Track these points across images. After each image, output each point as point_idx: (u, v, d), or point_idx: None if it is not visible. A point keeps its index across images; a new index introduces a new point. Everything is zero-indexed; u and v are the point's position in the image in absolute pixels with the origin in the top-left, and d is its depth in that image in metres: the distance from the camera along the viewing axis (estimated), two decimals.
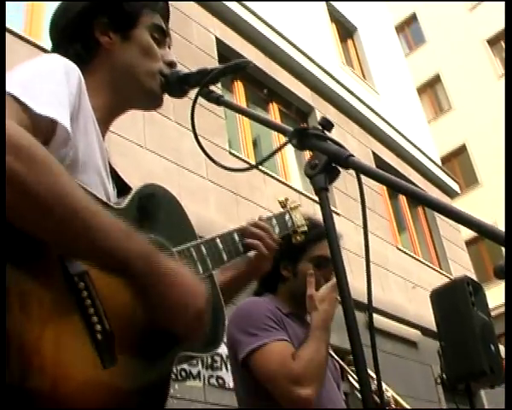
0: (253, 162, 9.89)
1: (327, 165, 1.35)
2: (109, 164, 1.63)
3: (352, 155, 1.31)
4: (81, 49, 1.64)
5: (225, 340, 1.82)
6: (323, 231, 2.68)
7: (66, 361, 1.17)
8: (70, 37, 1.68)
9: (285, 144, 1.49)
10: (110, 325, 1.26)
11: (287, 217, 2.28)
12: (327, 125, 1.42)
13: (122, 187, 1.67)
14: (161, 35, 1.74)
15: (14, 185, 1.11)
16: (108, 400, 1.23)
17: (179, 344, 1.46)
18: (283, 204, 2.33)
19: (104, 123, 1.62)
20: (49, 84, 1.34)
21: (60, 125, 1.30)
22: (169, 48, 1.79)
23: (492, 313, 5.64)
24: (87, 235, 1.20)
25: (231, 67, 1.67)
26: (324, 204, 1.31)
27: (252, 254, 2.03)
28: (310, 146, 1.40)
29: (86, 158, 1.43)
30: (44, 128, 1.28)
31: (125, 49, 1.67)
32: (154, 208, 1.61)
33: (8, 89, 1.25)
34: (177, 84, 1.70)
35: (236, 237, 1.93)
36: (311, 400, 2.28)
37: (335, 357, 2.88)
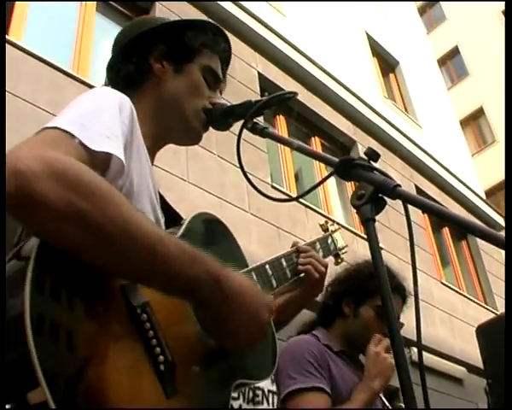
0: (295, 196, 9.88)
1: (373, 195, 1.34)
2: (158, 192, 1.65)
3: (399, 185, 1.30)
4: (134, 70, 1.68)
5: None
6: (397, 284, 2.71)
7: (133, 391, 1.18)
8: (126, 56, 1.72)
9: (331, 175, 1.49)
10: (172, 356, 1.28)
11: (329, 240, 2.33)
12: (373, 155, 1.41)
13: (170, 215, 1.70)
14: (213, 79, 1.77)
15: (80, 222, 1.13)
16: None
17: (237, 371, 1.50)
18: (325, 228, 2.35)
19: (150, 152, 1.63)
20: (104, 117, 1.36)
21: (114, 157, 1.31)
22: (220, 93, 1.81)
23: None
24: (154, 260, 1.21)
25: (276, 98, 1.67)
26: (371, 235, 1.30)
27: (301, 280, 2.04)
28: (356, 176, 1.39)
29: (140, 186, 1.45)
30: (101, 162, 1.30)
31: (175, 80, 1.70)
32: (208, 236, 1.67)
33: (65, 127, 1.26)
34: (221, 117, 1.71)
35: (284, 263, 1.96)
36: None
37: (386, 402, 2.87)
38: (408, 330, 2.22)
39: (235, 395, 7.00)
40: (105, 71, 1.78)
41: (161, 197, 1.69)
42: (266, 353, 1.68)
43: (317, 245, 2.22)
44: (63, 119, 1.30)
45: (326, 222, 2.39)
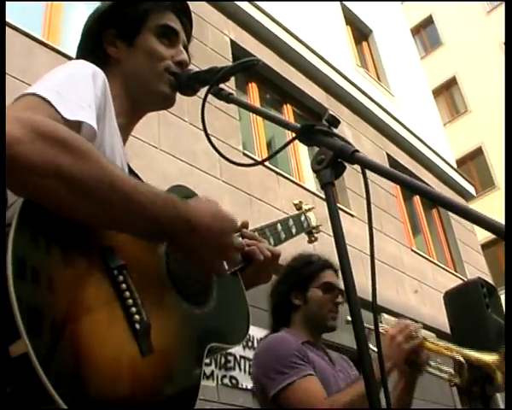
0: (267, 163, 9.90)
1: (333, 160, 1.37)
2: (129, 167, 1.68)
3: (358, 151, 1.33)
4: (93, 59, 1.68)
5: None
6: (329, 262, 2.94)
7: (108, 348, 1.22)
8: (84, 49, 1.77)
9: (293, 140, 1.51)
10: (147, 316, 1.33)
11: (302, 218, 2.38)
12: (333, 121, 1.45)
13: None
14: (170, 33, 1.76)
15: (60, 178, 1.19)
16: (144, 384, 1.29)
17: (211, 334, 1.58)
18: (298, 206, 2.40)
19: (124, 129, 1.67)
20: (79, 88, 1.42)
21: (87, 125, 1.36)
22: (187, 43, 1.82)
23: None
24: (130, 207, 1.30)
25: (240, 65, 1.68)
26: (330, 198, 1.33)
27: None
28: (317, 142, 1.42)
29: (111, 158, 1.48)
30: (74, 129, 1.33)
31: (131, 56, 1.72)
32: None
33: (42, 93, 1.32)
34: (188, 82, 1.72)
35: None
36: None
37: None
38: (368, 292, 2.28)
39: (207, 360, 7.07)
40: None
41: (133, 172, 1.71)
42: (239, 319, 1.74)
43: (290, 222, 2.25)
44: (41, 86, 1.36)
45: (300, 202, 2.45)
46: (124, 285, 1.31)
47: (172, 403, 1.37)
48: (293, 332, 2.85)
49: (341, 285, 2.94)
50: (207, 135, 1.67)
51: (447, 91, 29.36)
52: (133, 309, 1.30)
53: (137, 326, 1.29)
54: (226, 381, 7.28)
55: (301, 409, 2.54)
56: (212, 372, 7.18)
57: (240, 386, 7.30)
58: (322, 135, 1.41)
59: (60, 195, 1.19)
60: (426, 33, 30.96)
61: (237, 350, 7.52)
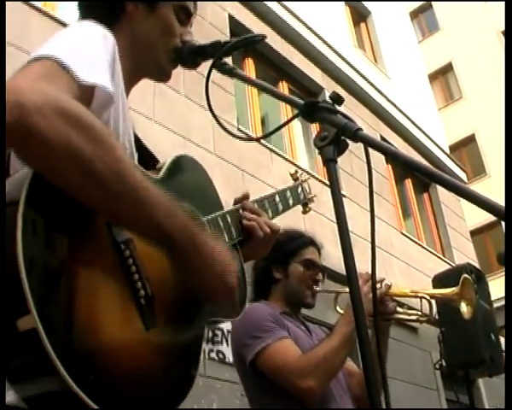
0: (261, 139, 9.91)
1: (336, 137, 1.38)
2: (133, 131, 1.68)
3: (361, 129, 1.34)
4: (107, 10, 1.67)
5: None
6: (312, 239, 2.99)
7: (113, 321, 1.23)
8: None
9: (296, 116, 1.51)
10: (152, 291, 1.34)
11: (299, 189, 2.37)
12: (337, 99, 1.45)
13: (144, 154, 1.73)
14: (185, 15, 1.77)
15: (77, 161, 1.17)
16: (148, 357, 1.31)
17: (210, 311, 1.56)
18: (295, 177, 2.40)
19: (126, 87, 1.64)
20: (91, 49, 1.39)
21: (101, 88, 1.33)
22: (190, 26, 1.81)
23: (494, 305, 5.65)
24: (138, 209, 1.27)
25: (245, 40, 1.68)
26: (332, 174, 1.34)
27: None
28: (320, 119, 1.43)
29: (118, 123, 1.48)
30: (87, 94, 1.32)
31: (148, 20, 1.69)
32: (187, 179, 1.72)
33: (55, 55, 1.29)
34: (190, 55, 1.71)
35: (229, 219, 1.92)
36: (314, 390, 2.50)
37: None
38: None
39: None
40: (77, 9, 1.76)
41: (135, 135, 1.71)
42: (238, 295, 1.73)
43: (288, 193, 2.25)
44: (53, 48, 1.32)
45: (296, 172, 2.44)
46: (130, 260, 1.31)
47: (174, 375, 1.38)
48: (271, 304, 2.89)
49: (322, 263, 3.04)
50: (211, 110, 1.66)
51: (443, 77, 29.33)
52: (139, 284, 1.31)
53: (142, 301, 1.31)
54: (213, 355, 7.31)
55: (277, 371, 2.57)
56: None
57: (227, 361, 7.33)
58: (326, 112, 1.41)
59: (75, 178, 1.18)
60: (424, 18, 30.86)
61: (225, 325, 7.54)
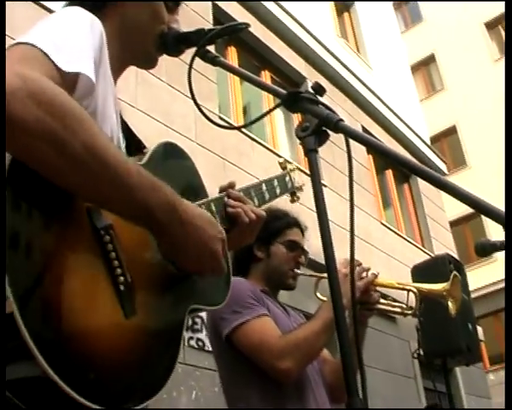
0: (243, 128, 9.90)
1: (317, 128, 1.39)
2: (121, 117, 1.70)
3: (342, 120, 1.36)
4: None
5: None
6: (297, 220, 2.96)
7: (91, 307, 1.23)
8: None
9: (278, 106, 1.52)
10: (131, 277, 1.34)
11: (287, 178, 2.38)
12: (319, 89, 1.46)
13: (132, 141, 1.74)
14: (174, 3, 1.78)
15: (51, 141, 1.16)
16: (127, 344, 1.31)
17: (192, 296, 1.58)
18: (283, 166, 2.40)
19: (113, 75, 1.64)
20: (75, 37, 1.38)
21: (85, 76, 1.34)
22: (177, 14, 1.81)
23: (472, 295, 5.72)
24: (118, 186, 1.26)
25: (229, 28, 1.68)
26: (313, 164, 1.36)
27: None
28: (302, 109, 1.44)
29: (104, 109, 1.47)
30: (72, 81, 1.32)
31: (136, 6, 1.69)
32: (171, 166, 1.72)
33: (39, 44, 1.29)
34: (174, 42, 1.72)
35: (213, 207, 1.93)
36: (292, 372, 2.48)
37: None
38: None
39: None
40: None
41: (124, 122, 1.73)
42: (220, 281, 1.74)
43: (275, 182, 2.25)
44: (36, 36, 1.31)
45: (285, 161, 2.44)
46: (110, 245, 1.31)
47: (153, 362, 1.38)
48: (250, 282, 2.84)
49: (305, 245, 3.00)
50: (194, 97, 1.67)
51: (425, 68, 29.42)
52: (118, 270, 1.31)
53: (122, 288, 1.30)
54: (193, 343, 7.33)
55: (254, 349, 2.54)
56: None
57: (206, 348, 7.34)
58: (308, 102, 1.43)
59: (50, 160, 1.17)
60: (407, 9, 30.92)
61: (204, 313, 7.55)
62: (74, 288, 1.20)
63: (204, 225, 1.46)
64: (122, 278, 1.31)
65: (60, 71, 1.29)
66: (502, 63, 26.41)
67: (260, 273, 2.91)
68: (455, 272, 2.96)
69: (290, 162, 2.47)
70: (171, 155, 1.74)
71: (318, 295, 3.07)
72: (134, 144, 1.71)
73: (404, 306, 2.89)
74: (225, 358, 2.71)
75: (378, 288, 2.80)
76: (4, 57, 1.25)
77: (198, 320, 7.49)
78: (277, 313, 2.74)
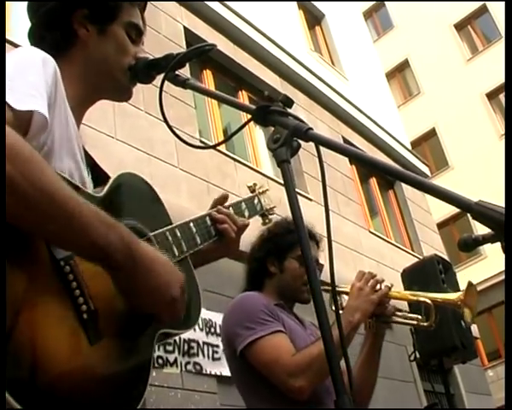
0: (224, 150, 9.94)
1: (288, 138, 1.42)
2: (85, 151, 1.68)
3: (311, 129, 1.39)
4: (59, 37, 1.69)
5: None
6: (309, 231, 2.87)
7: (55, 339, 1.23)
8: (48, 24, 1.71)
9: (249, 121, 1.56)
10: (94, 305, 1.34)
11: (255, 201, 2.39)
12: (287, 101, 1.49)
13: (97, 173, 1.72)
14: (136, 33, 1.79)
15: (6, 185, 1.15)
16: (94, 371, 1.31)
17: (157, 324, 1.54)
18: (252, 189, 2.44)
19: (77, 112, 1.65)
20: (28, 76, 1.39)
21: (38, 113, 1.34)
22: (142, 44, 1.83)
23: None
24: (71, 228, 1.25)
25: (196, 50, 1.70)
26: (286, 175, 1.38)
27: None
28: (272, 121, 1.47)
29: (62, 145, 1.47)
30: (24, 119, 1.32)
31: (100, 42, 1.71)
32: (132, 196, 1.70)
33: None
34: (144, 70, 1.74)
35: (208, 222, 2.01)
36: (305, 390, 2.46)
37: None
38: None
39: (169, 348, 7.11)
40: (28, 37, 1.76)
41: (88, 156, 1.71)
42: (190, 305, 1.72)
43: (243, 205, 2.28)
44: None
45: (254, 184, 2.47)
46: (70, 275, 1.31)
47: (122, 388, 1.38)
48: (264, 296, 2.81)
49: (319, 258, 2.94)
50: (166, 120, 1.70)
51: (400, 74, 29.60)
52: (80, 299, 1.31)
53: (85, 316, 1.31)
54: (190, 367, 7.31)
55: (268, 366, 2.53)
56: (176, 359, 7.21)
57: (204, 372, 7.34)
58: (277, 115, 1.46)
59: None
60: (378, 17, 31.14)
61: (200, 336, 7.56)
62: (38, 323, 1.20)
63: (160, 270, 1.43)
64: (85, 307, 1.32)
65: (12, 109, 1.29)
66: (474, 63, 26.72)
67: (274, 288, 2.89)
68: (470, 281, 2.88)
69: (259, 187, 2.48)
70: (130, 185, 1.72)
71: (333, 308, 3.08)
72: (100, 176, 1.70)
73: (419, 317, 2.87)
74: (240, 373, 2.72)
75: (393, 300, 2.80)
76: (4, 57, 1.27)
77: (194, 345, 7.48)
78: (293, 327, 2.72)
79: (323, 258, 2.77)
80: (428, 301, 2.80)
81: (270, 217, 2.49)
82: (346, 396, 1.19)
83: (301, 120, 1.43)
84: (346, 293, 2.79)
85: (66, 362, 1.24)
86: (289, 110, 1.48)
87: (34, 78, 1.40)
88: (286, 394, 2.50)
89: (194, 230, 1.90)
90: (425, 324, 2.84)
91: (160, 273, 1.42)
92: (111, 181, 1.62)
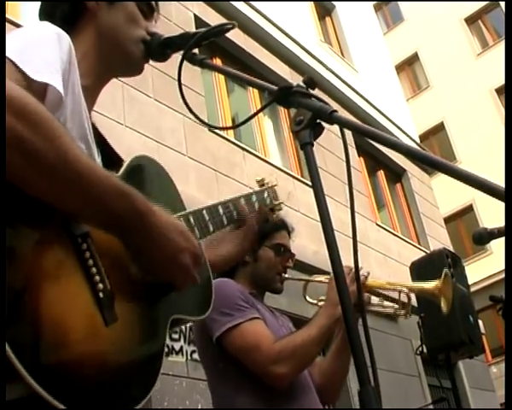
0: (233, 139, 9.92)
1: (311, 121, 1.38)
2: (97, 131, 1.66)
3: (336, 111, 1.35)
4: (68, 11, 1.66)
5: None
6: (284, 222, 2.92)
7: (71, 317, 1.21)
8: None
9: (270, 102, 1.51)
10: (111, 284, 1.32)
11: (265, 194, 2.39)
12: (310, 83, 1.45)
13: (110, 155, 1.70)
14: (148, 8, 1.76)
15: (21, 150, 1.15)
16: (110, 352, 1.29)
17: (173, 305, 1.54)
18: (261, 183, 2.42)
19: (92, 90, 1.64)
20: (43, 50, 1.36)
21: (53, 88, 1.32)
22: (155, 22, 1.80)
23: (471, 289, 5.71)
24: (86, 194, 1.25)
25: (215, 29, 1.66)
26: (309, 157, 1.35)
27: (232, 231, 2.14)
28: (295, 103, 1.43)
29: (73, 125, 1.45)
30: (38, 92, 1.30)
31: (110, 14, 1.68)
32: (148, 179, 1.70)
33: (8, 54, 1.28)
34: (159, 48, 1.71)
35: (221, 210, 2.01)
36: (285, 377, 2.45)
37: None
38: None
39: (175, 336, 7.09)
40: (37, 15, 1.74)
41: (102, 137, 1.70)
42: (202, 291, 1.74)
43: (254, 197, 2.27)
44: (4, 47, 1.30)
45: (263, 179, 2.46)
46: (87, 253, 1.30)
47: (134, 372, 1.36)
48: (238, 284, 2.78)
49: (292, 248, 2.95)
50: (184, 99, 1.66)
51: (409, 67, 29.54)
52: (96, 278, 1.29)
53: (101, 295, 1.29)
54: (196, 356, 7.29)
55: (248, 352, 2.50)
56: (181, 348, 7.20)
57: None
58: (301, 96, 1.42)
59: (19, 168, 1.15)
60: (388, 9, 31.06)
61: None
62: (54, 299, 1.18)
63: (175, 237, 1.42)
64: (101, 285, 1.30)
65: (29, 80, 1.28)
66: (484, 57, 26.60)
67: (247, 277, 2.86)
68: (446, 270, 2.94)
69: (265, 182, 2.47)
70: (146, 168, 1.71)
71: (308, 298, 3.05)
72: (111, 157, 1.68)
73: (396, 306, 2.89)
74: (214, 361, 2.66)
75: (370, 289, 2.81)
76: (4, 57, 1.24)
77: None
78: (267, 317, 2.69)
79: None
80: (405, 290, 2.84)
81: (277, 213, 2.47)
82: (370, 386, 1.15)
83: (325, 102, 1.39)
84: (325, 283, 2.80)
85: (81, 342, 1.22)
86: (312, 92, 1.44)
87: (50, 53, 1.38)
88: (265, 381, 2.47)
89: (207, 217, 1.90)
90: (401, 312, 2.88)
91: (175, 239, 1.42)
92: (127, 162, 1.62)
